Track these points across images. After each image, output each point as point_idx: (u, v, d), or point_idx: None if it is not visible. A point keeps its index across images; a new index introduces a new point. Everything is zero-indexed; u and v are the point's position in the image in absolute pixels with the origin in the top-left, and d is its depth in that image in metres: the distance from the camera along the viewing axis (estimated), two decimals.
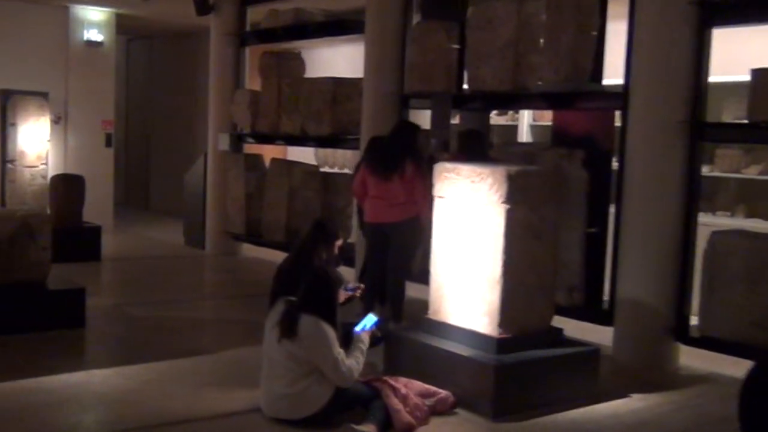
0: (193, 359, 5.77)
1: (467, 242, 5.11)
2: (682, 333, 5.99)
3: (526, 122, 9.57)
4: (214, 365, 5.69)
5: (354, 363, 4.47)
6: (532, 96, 6.86)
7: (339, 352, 4.40)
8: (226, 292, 8.67)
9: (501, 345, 4.92)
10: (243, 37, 10.51)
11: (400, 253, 6.66)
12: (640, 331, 6.06)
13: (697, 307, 5.90)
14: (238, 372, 5.50)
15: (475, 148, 6.77)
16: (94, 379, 5.26)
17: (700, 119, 5.89)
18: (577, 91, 6.49)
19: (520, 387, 4.88)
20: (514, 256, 4.94)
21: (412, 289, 6.90)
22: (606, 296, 6.46)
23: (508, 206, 4.88)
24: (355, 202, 7.47)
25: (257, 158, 10.20)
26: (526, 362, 4.90)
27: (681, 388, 5.59)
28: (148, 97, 15.67)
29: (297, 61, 9.86)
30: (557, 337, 5.29)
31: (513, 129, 9.71)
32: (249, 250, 10.55)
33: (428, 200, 6.58)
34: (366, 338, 4.67)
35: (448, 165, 5.25)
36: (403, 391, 4.61)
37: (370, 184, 6.68)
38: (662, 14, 5.92)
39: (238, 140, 10.48)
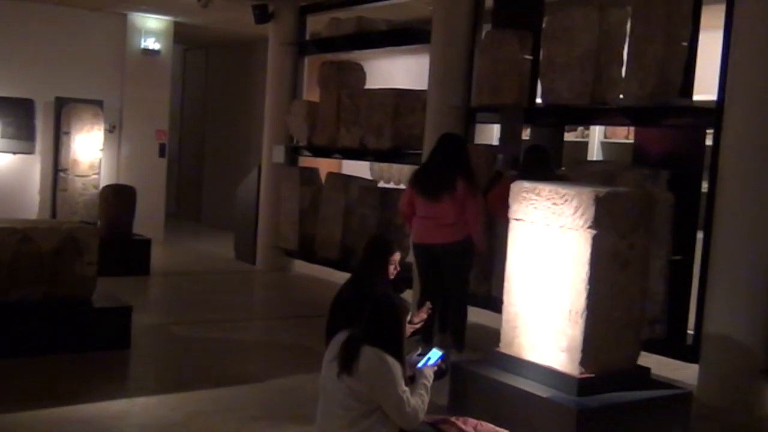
0: (241, 388, 5.35)
1: (546, 270, 4.61)
2: None
3: (597, 139, 9.00)
4: (264, 395, 5.26)
5: (419, 402, 4.00)
6: (613, 111, 6.33)
7: (404, 389, 3.93)
8: (278, 312, 8.23)
9: (582, 385, 4.41)
10: (302, 47, 10.18)
11: (456, 278, 6.19)
12: (728, 370, 5.49)
13: None
14: (289, 404, 5.07)
15: (538, 165, 6.24)
16: (135, 409, 4.87)
17: None
18: (664, 107, 5.96)
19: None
20: (600, 288, 4.43)
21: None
22: (691, 330, 5.91)
23: (594, 232, 4.38)
24: None
25: (313, 172, 9.82)
26: (611, 406, 4.38)
27: None
28: (203, 107, 15.45)
29: (358, 72, 9.45)
30: (644, 377, 4.76)
31: (582, 146, 9.15)
32: (301, 266, 10.16)
33: (481, 220, 6.12)
34: (430, 374, 4.18)
35: (527, 184, 4.76)
36: None
37: (418, 204, 6.23)
38: (764, 23, 5.37)
39: (293, 153, 10.12)
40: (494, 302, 7.03)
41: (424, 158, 7.64)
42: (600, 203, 4.37)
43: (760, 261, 5.39)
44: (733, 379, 5.45)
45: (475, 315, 6.74)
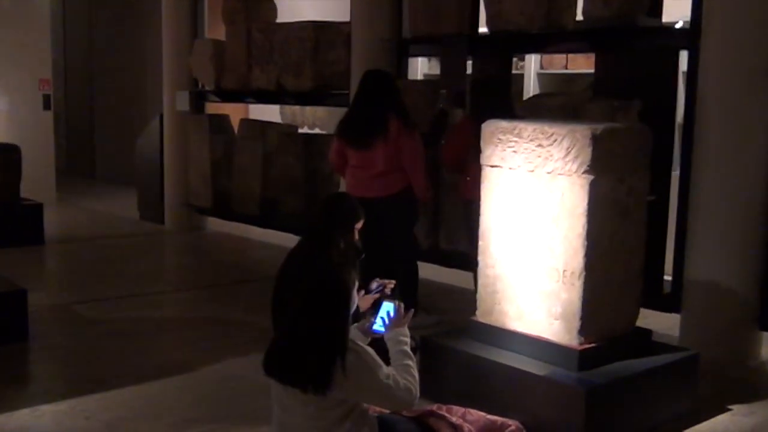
0: (169, 382, 4.49)
1: (532, 224, 3.90)
2: None
3: (533, 70, 8.35)
4: (199, 389, 4.42)
5: (409, 378, 3.21)
6: (573, 35, 5.62)
7: (388, 374, 3.15)
8: (198, 281, 7.21)
9: (584, 358, 3.76)
10: None
11: (401, 233, 5.43)
12: (715, 319, 4.94)
13: None
14: (231, 398, 4.25)
15: (497, 101, 5.47)
16: (42, 421, 3.94)
17: None
18: (632, 28, 5.28)
19: (615, 412, 3.74)
20: (599, 242, 3.76)
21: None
22: (668, 277, 5.36)
23: (591, 177, 3.68)
24: None
25: (224, 119, 8.82)
26: (619, 380, 3.75)
27: None
28: (88, 53, 13.99)
29: (267, 4, 8.44)
30: (646, 340, 4.15)
31: (517, 79, 8.47)
32: (216, 224, 9.21)
33: (422, 163, 5.38)
34: (405, 335, 3.40)
35: (505, 124, 4.01)
36: (466, 429, 3.42)
37: (349, 153, 5.42)
38: None
39: (199, 99, 9.06)
40: (443, 256, 6.37)
41: (351, 99, 6.83)
42: (597, 142, 3.66)
43: (748, 197, 4.83)
44: (721, 330, 4.92)
45: (424, 271, 6.04)
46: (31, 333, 5.13)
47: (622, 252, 3.90)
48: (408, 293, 5.51)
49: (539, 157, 3.85)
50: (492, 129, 4.06)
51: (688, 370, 4.10)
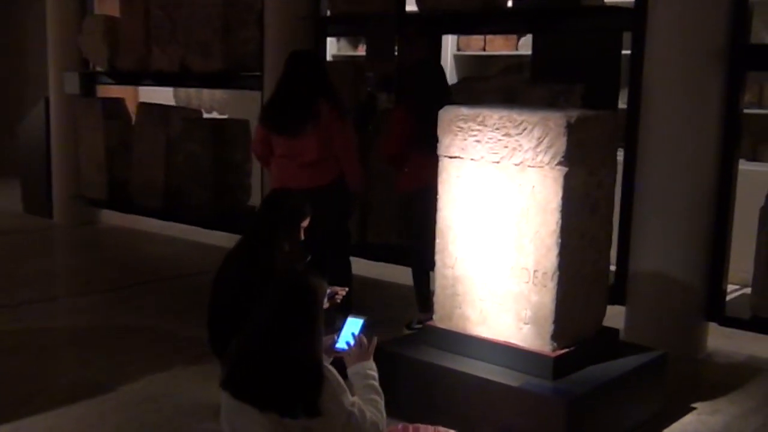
0: (85, 405, 3.93)
1: (497, 221, 3.58)
2: (716, 311, 4.80)
3: (450, 52, 8.03)
4: (121, 412, 3.88)
5: (374, 410, 2.86)
6: (510, 15, 5.33)
7: (352, 402, 2.78)
8: (98, 282, 6.45)
9: (558, 365, 3.47)
10: None
11: (333, 229, 5.01)
12: (662, 310, 4.78)
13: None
14: (159, 422, 3.75)
15: (433, 85, 5.12)
16: None
17: (742, 42, 4.59)
18: (573, 8, 5.03)
19: (596, 420, 3.47)
20: (572, 240, 3.47)
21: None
22: (613, 267, 5.17)
23: (566, 169, 3.38)
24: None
25: (119, 103, 8.12)
26: (599, 387, 3.48)
27: (742, 384, 4.37)
28: None
29: None
30: (614, 340, 3.91)
31: None
32: (110, 217, 8.50)
33: (355, 152, 5.00)
34: (372, 367, 3.04)
35: (466, 110, 3.66)
36: None
37: (274, 141, 4.96)
38: None
39: (90, 80, 8.31)
40: (373, 250, 6.00)
41: (266, 82, 6.34)
42: (572, 131, 3.36)
43: (695, 183, 4.67)
44: (667, 322, 4.76)
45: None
46: None
47: (591, 249, 3.63)
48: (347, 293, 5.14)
49: (506, 147, 3.51)
50: (451, 116, 3.70)
51: (658, 371, 3.89)
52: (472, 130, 3.62)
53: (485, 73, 7.78)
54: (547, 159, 3.40)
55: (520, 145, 3.47)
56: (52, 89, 8.53)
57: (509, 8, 5.31)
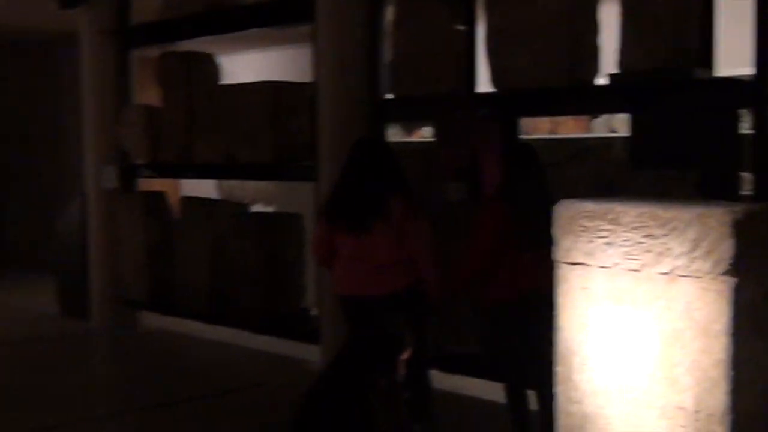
0: None
1: (642, 347, 2.83)
2: None
3: None
4: None
5: None
6: (605, 91, 4.68)
7: None
8: (142, 398, 5.73)
9: None
10: (128, 35, 7.81)
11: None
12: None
13: None
14: None
15: (529, 177, 4.34)
16: None
17: None
18: (677, 82, 4.36)
19: None
20: (744, 371, 2.71)
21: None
22: None
23: (735, 280, 2.65)
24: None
25: (160, 197, 7.57)
26: None
27: None
28: None
29: (209, 66, 7.29)
30: None
31: None
32: (152, 319, 7.85)
33: (431, 253, 4.34)
34: None
35: (592, 206, 2.96)
36: None
37: (339, 240, 4.35)
38: None
39: (130, 174, 7.79)
40: (447, 360, 5.25)
41: (322, 173, 5.74)
42: (742, 231, 2.64)
43: None
44: None
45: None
46: None
47: (761, 381, 2.86)
48: (424, 413, 4.42)
49: (649, 251, 2.79)
50: (572, 212, 3.00)
51: None
52: (601, 230, 2.91)
53: (552, 159, 7.11)
54: (707, 267, 2.67)
55: (668, 249, 2.74)
56: (89, 183, 8.02)
57: (604, 85, 4.66)
